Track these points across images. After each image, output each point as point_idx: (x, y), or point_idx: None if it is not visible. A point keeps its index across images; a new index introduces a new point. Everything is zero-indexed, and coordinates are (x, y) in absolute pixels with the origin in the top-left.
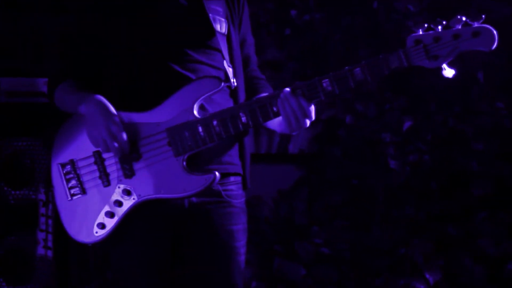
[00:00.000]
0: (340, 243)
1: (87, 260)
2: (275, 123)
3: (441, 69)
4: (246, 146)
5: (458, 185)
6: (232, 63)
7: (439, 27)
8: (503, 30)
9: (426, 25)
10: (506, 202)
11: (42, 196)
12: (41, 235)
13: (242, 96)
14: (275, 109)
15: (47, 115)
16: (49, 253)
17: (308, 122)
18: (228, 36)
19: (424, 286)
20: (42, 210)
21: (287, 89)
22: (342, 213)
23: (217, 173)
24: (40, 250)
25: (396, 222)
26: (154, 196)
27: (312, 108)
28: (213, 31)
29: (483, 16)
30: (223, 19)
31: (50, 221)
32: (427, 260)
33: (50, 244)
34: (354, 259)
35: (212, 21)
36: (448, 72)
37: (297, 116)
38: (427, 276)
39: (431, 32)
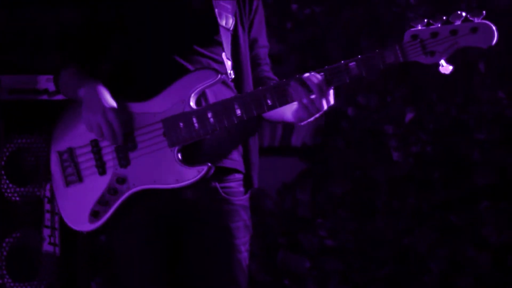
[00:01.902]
0: (344, 234)
1: (93, 256)
2: (288, 114)
3: (438, 65)
4: (251, 144)
5: (461, 175)
6: (236, 57)
7: (439, 23)
8: (503, 19)
9: (425, 20)
10: (508, 191)
11: (47, 193)
12: (46, 232)
13: (245, 91)
14: (269, 102)
15: (49, 112)
16: (55, 249)
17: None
18: (235, 33)
19: (428, 276)
20: (47, 206)
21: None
22: (346, 204)
23: (210, 165)
24: (46, 247)
25: (399, 213)
26: (147, 186)
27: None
28: (216, 25)
29: (484, 12)
30: (230, 15)
31: (55, 218)
32: (431, 250)
33: (56, 240)
34: (358, 250)
35: (218, 16)
36: (445, 68)
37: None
38: (431, 265)
39: (429, 27)
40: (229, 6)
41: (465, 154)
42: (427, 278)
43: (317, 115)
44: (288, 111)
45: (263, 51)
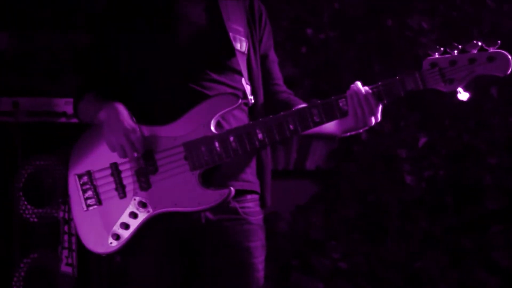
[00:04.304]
0: (356, 257)
1: (108, 276)
2: (332, 126)
3: (456, 93)
4: (265, 164)
5: (473, 199)
6: (251, 81)
7: (455, 51)
8: None
9: (442, 49)
10: None
11: (66, 214)
12: (64, 253)
13: (260, 113)
14: (291, 127)
15: (67, 135)
16: (73, 270)
17: (373, 121)
18: (248, 55)
19: None
20: (65, 227)
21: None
22: (358, 227)
23: (232, 189)
24: (63, 268)
25: (411, 236)
26: (168, 209)
27: (379, 107)
28: (233, 51)
29: (499, 42)
30: (243, 38)
31: (73, 239)
32: (442, 273)
33: (73, 261)
34: (370, 272)
35: (233, 40)
36: (463, 95)
37: (364, 112)
38: None
39: (447, 56)
40: (241, 29)
41: (476, 178)
42: None
43: (360, 130)
44: (330, 123)
45: (275, 65)
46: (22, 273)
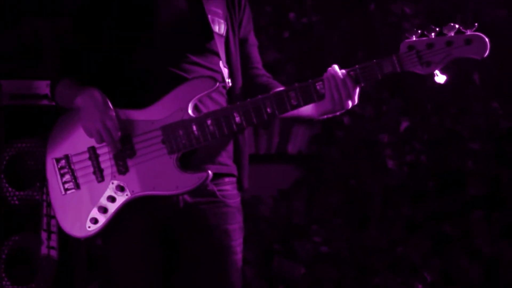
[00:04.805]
0: (339, 242)
1: (91, 259)
2: (310, 109)
3: (433, 75)
4: (242, 148)
5: (454, 185)
6: (229, 64)
7: (433, 34)
8: (498, 32)
9: (419, 31)
10: (501, 201)
11: (45, 197)
12: (44, 235)
13: (238, 96)
14: (269, 110)
15: (49, 117)
16: (53, 252)
17: (350, 104)
18: (227, 38)
19: (421, 284)
20: (45, 210)
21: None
22: (340, 213)
23: (210, 172)
24: (44, 250)
25: (393, 222)
26: (146, 192)
27: (357, 90)
28: (211, 34)
29: (476, 24)
30: (222, 21)
31: (52, 221)
32: (424, 259)
33: (53, 243)
34: (352, 258)
35: (211, 23)
36: (440, 78)
37: (341, 95)
38: (425, 274)
39: (424, 38)
40: (220, 11)
41: (458, 164)
42: (421, 287)
43: (338, 113)
44: (308, 106)
45: (254, 49)
46: (3, 255)
